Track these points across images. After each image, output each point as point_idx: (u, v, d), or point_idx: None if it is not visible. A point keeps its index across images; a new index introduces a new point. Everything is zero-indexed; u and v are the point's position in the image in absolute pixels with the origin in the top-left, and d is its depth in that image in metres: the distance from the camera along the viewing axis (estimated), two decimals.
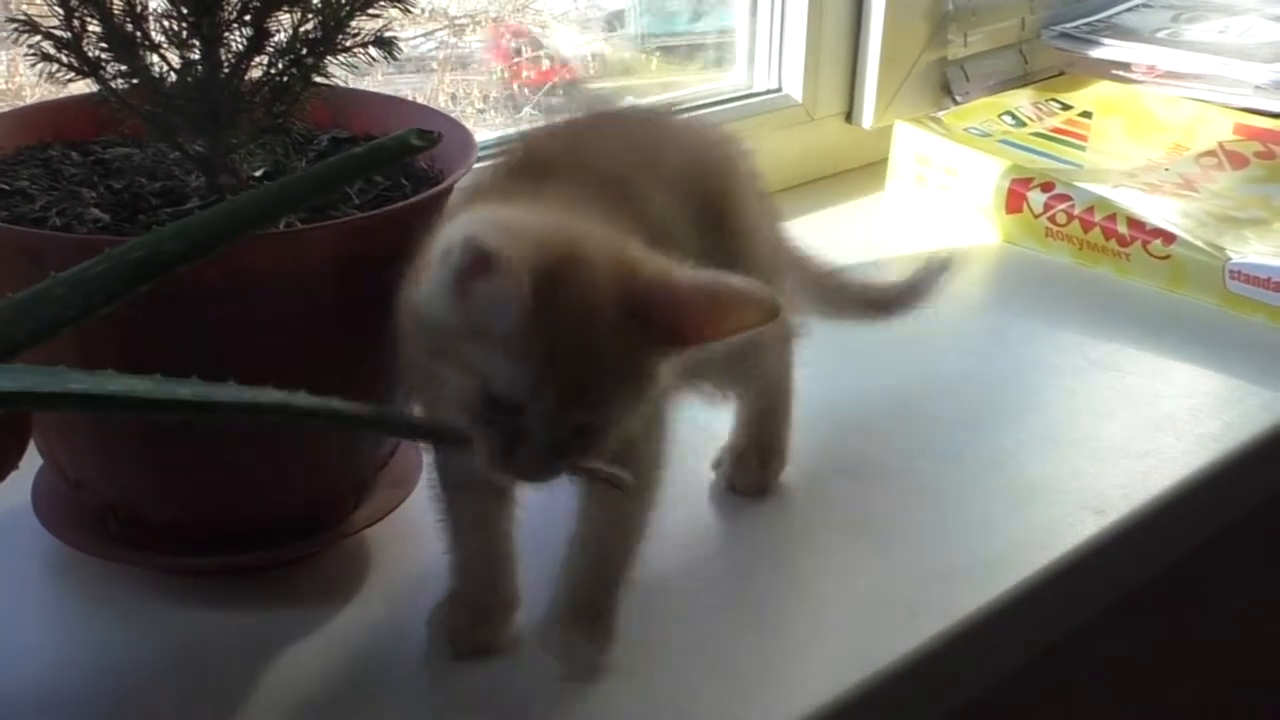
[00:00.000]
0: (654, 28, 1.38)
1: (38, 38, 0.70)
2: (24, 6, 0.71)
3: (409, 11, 0.71)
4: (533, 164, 0.72)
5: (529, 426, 0.61)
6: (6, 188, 0.74)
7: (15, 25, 0.70)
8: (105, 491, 0.74)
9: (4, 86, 1.07)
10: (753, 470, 0.86)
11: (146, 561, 0.75)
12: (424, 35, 1.35)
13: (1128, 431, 0.95)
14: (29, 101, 0.92)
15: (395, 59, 0.73)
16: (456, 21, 1.36)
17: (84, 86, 0.73)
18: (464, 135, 0.77)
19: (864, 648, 0.73)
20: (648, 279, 0.61)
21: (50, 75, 0.71)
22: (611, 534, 0.71)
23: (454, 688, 0.70)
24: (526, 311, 0.58)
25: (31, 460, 0.76)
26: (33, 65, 0.71)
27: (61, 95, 0.80)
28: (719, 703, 0.70)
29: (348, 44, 0.71)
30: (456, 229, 0.61)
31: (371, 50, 0.72)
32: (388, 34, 0.72)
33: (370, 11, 0.71)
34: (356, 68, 0.72)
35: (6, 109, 0.82)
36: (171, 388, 0.54)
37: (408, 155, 0.63)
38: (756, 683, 0.71)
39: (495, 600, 0.72)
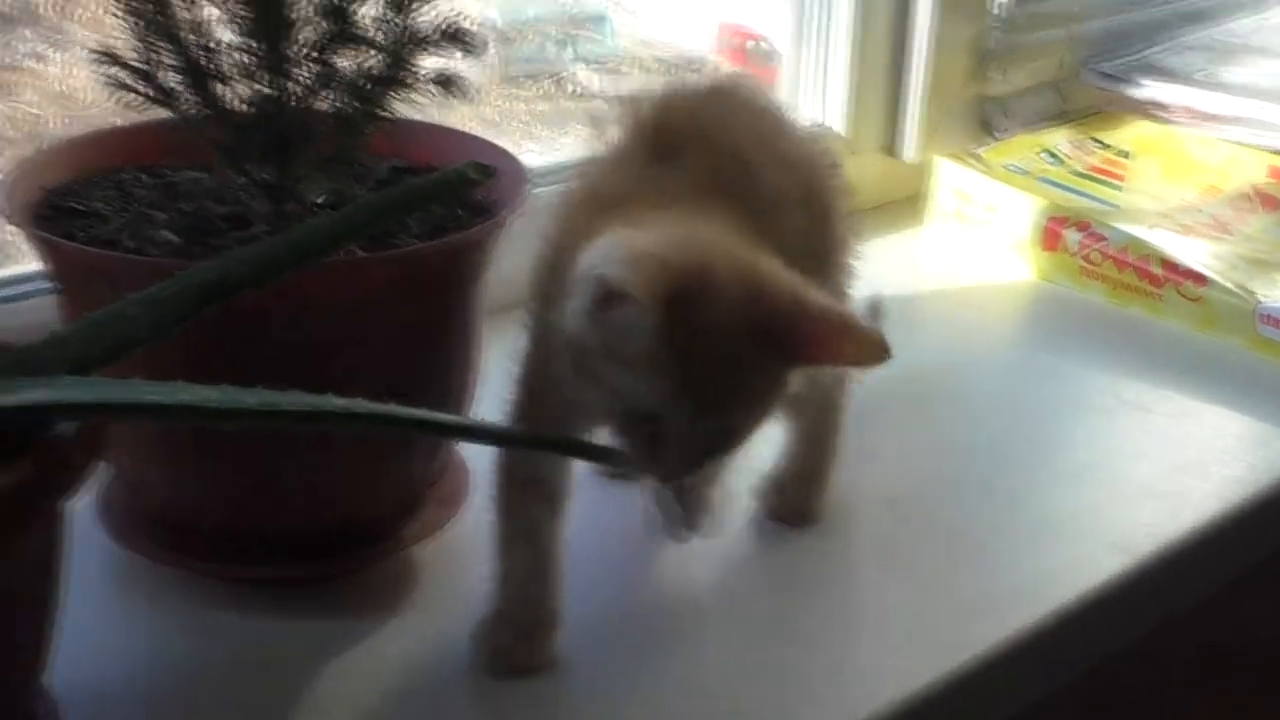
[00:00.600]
0: None
1: (116, 68, 0.73)
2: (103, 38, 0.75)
3: (471, 52, 0.74)
4: (659, 132, 0.75)
5: (664, 435, 0.65)
6: (82, 209, 0.77)
7: (96, 56, 0.73)
8: (164, 498, 0.78)
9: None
10: (797, 499, 0.88)
11: (202, 568, 0.78)
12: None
13: (1154, 471, 0.97)
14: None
15: (457, 96, 0.76)
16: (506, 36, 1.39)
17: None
18: (517, 168, 0.80)
19: (888, 677, 0.75)
20: (777, 297, 0.64)
21: (126, 104, 0.74)
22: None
23: (496, 704, 0.73)
24: (656, 338, 0.62)
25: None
26: (110, 96, 0.74)
27: (131, 122, 0.83)
28: None
29: (410, 81, 0.74)
30: (595, 255, 0.63)
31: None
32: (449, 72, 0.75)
33: (434, 51, 0.74)
34: (418, 103, 0.75)
35: (83, 133, 0.86)
36: (238, 396, 0.57)
37: (466, 188, 0.66)
38: (780, 706, 0.74)
39: (538, 619, 0.75)
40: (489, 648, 0.74)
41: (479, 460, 0.84)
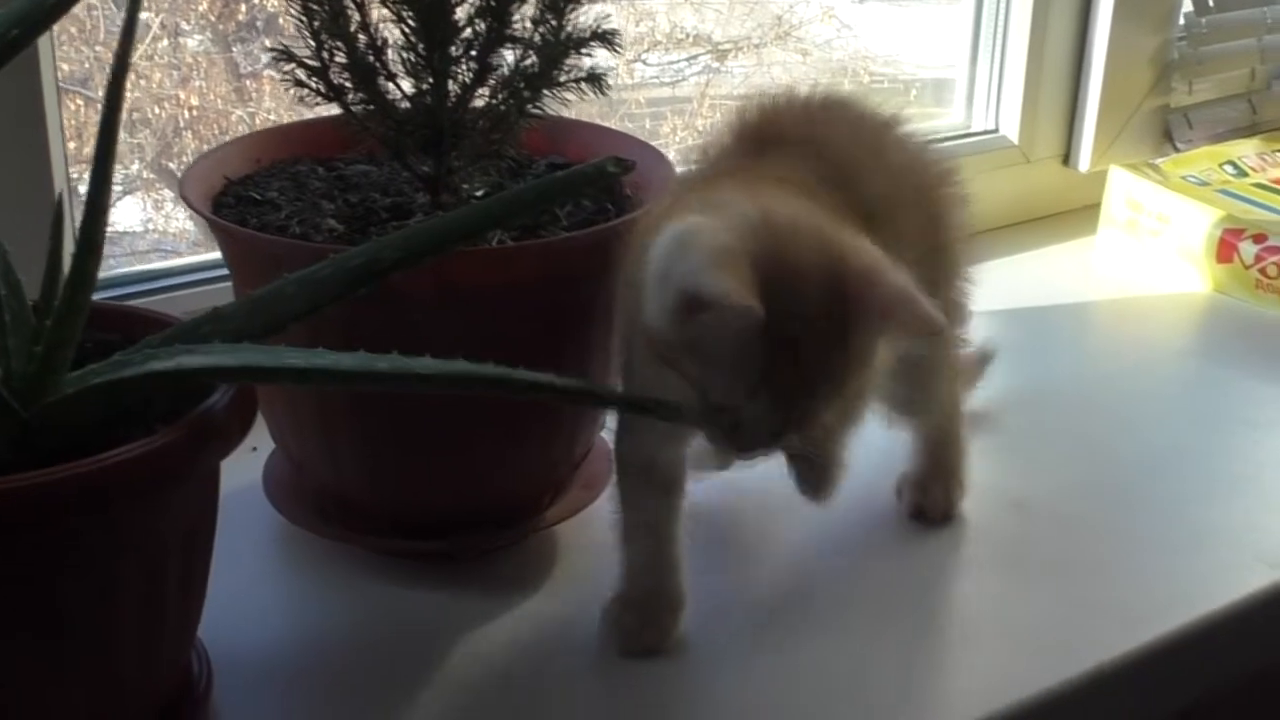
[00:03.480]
0: None
1: (292, 66, 0.78)
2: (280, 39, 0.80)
3: (616, 51, 0.77)
4: (764, 130, 0.77)
5: (747, 420, 0.66)
6: (259, 197, 0.83)
7: (274, 54, 0.79)
8: (323, 474, 0.82)
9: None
10: (933, 496, 0.89)
11: (358, 540, 0.83)
12: (687, 59, 1.41)
13: None
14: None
15: (605, 94, 0.79)
16: (720, 47, 1.42)
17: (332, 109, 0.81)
18: (664, 165, 0.83)
19: (1009, 677, 0.76)
20: (858, 267, 0.65)
21: (301, 99, 0.79)
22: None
23: (624, 679, 0.76)
24: (747, 338, 0.63)
25: (266, 444, 0.85)
26: (287, 90, 0.79)
27: (312, 117, 0.89)
28: (859, 711, 0.74)
29: (561, 79, 0.78)
30: (669, 250, 0.64)
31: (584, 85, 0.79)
32: (599, 70, 0.78)
33: (583, 51, 0.77)
34: (569, 101, 0.79)
35: (267, 127, 0.91)
36: (371, 361, 0.61)
37: (604, 180, 0.69)
38: (897, 700, 0.75)
39: (662, 603, 0.77)
40: (617, 629, 0.77)
41: None
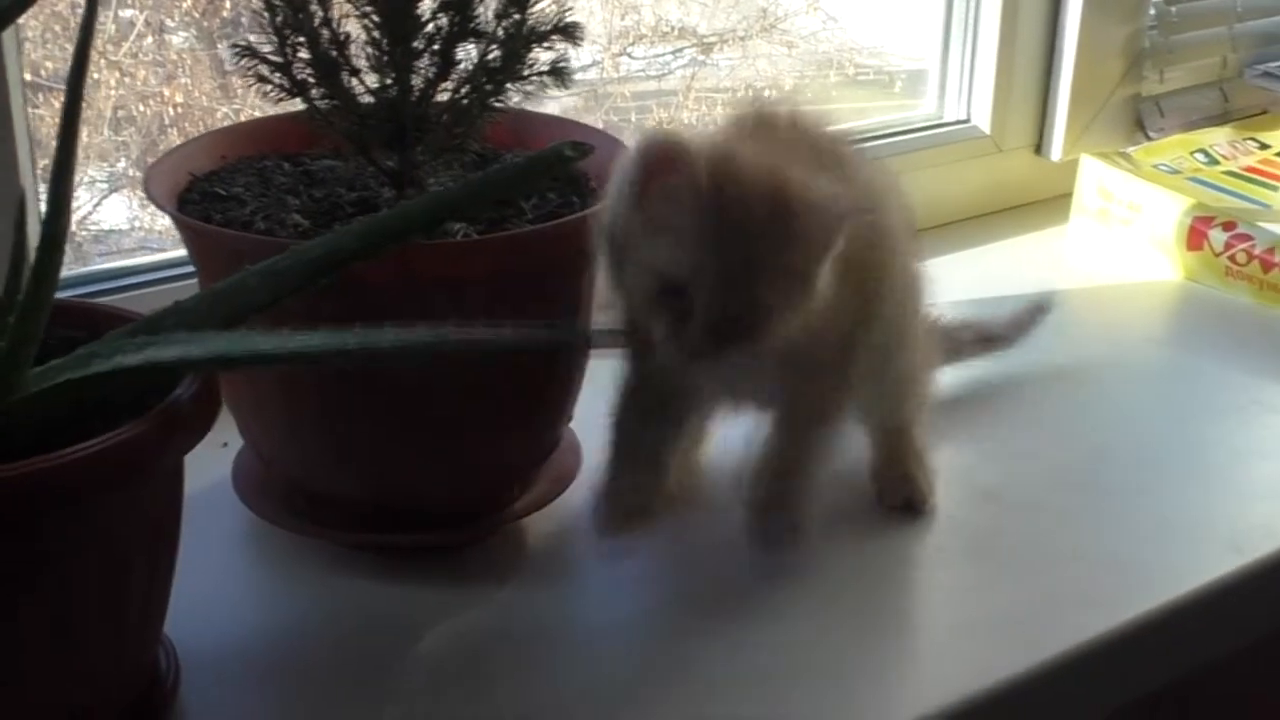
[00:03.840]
0: None
1: (255, 62, 0.78)
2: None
3: (578, 44, 0.77)
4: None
5: (693, 307, 0.69)
6: (224, 193, 0.83)
7: (237, 50, 0.79)
8: (291, 468, 0.83)
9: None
10: (894, 486, 0.89)
11: (327, 535, 0.83)
12: (673, 52, 1.42)
13: None
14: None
15: (568, 87, 0.79)
16: (705, 40, 1.43)
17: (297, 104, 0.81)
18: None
19: (977, 665, 0.76)
20: (797, 187, 0.70)
21: (264, 94, 0.80)
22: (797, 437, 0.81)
23: (596, 665, 0.76)
24: (700, 199, 0.68)
25: (237, 440, 0.85)
26: (249, 86, 0.79)
27: (279, 112, 0.89)
28: (817, 707, 0.74)
29: (524, 73, 0.78)
30: (636, 144, 0.70)
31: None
32: (561, 64, 0.78)
33: (546, 44, 0.78)
34: (531, 94, 0.79)
35: (233, 124, 0.91)
36: (341, 339, 0.61)
37: (561, 164, 0.69)
38: (861, 688, 0.75)
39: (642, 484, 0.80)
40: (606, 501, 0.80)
41: (592, 440, 0.89)
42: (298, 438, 0.81)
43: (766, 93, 1.41)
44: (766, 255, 0.69)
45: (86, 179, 1.15)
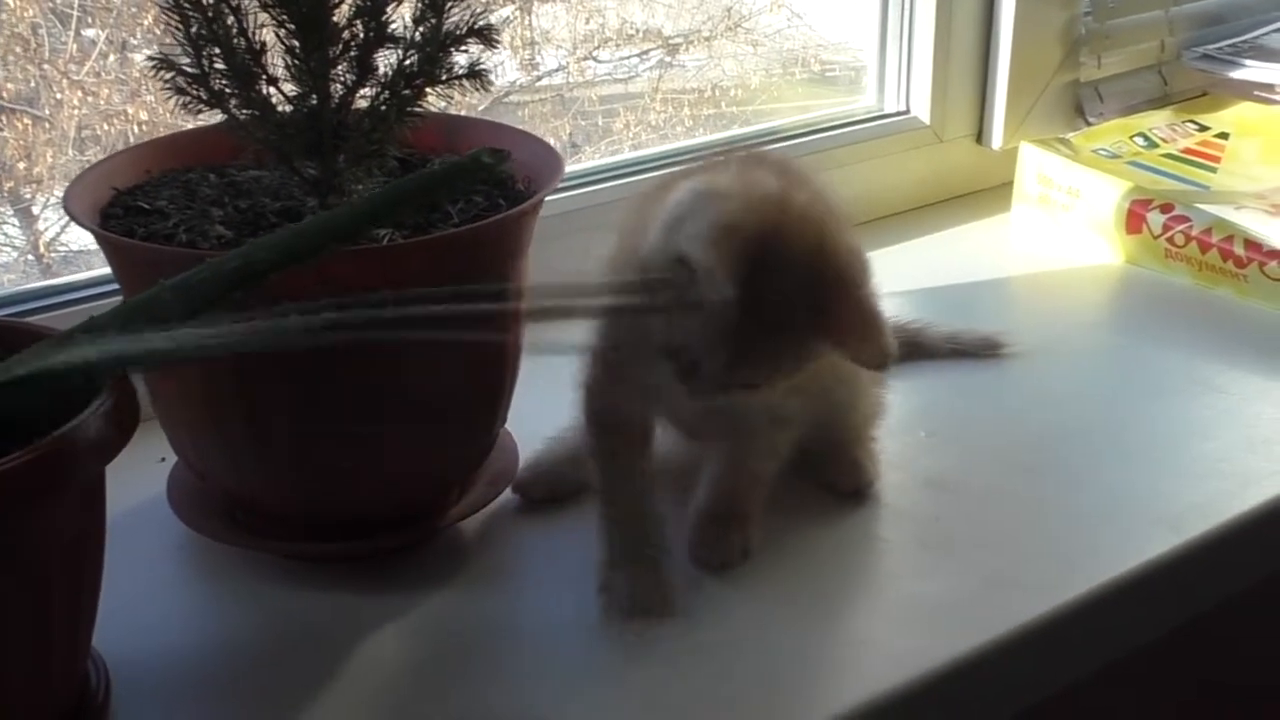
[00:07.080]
0: None
1: (172, 73, 0.78)
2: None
3: (493, 45, 0.77)
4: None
5: (702, 370, 0.71)
6: (147, 207, 0.82)
7: (154, 63, 0.78)
8: (224, 480, 0.82)
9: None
10: (839, 472, 0.90)
11: (262, 545, 0.83)
12: (639, 55, 1.42)
13: (1220, 452, 0.95)
14: None
15: (488, 90, 0.79)
16: (671, 41, 1.43)
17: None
18: (553, 158, 0.83)
19: (919, 649, 0.76)
20: (835, 279, 0.70)
21: (184, 106, 0.79)
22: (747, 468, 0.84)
23: (538, 672, 0.76)
24: (715, 307, 0.67)
25: (171, 455, 0.85)
26: (168, 98, 0.79)
27: (205, 124, 0.88)
28: (763, 692, 0.74)
29: (443, 77, 0.78)
30: (687, 214, 0.70)
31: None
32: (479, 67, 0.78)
33: (463, 48, 0.77)
34: (452, 98, 0.79)
35: (157, 137, 0.91)
36: (246, 328, 0.60)
37: (480, 172, 0.69)
38: (803, 678, 0.75)
39: (652, 553, 0.80)
40: (611, 595, 0.79)
41: (529, 442, 0.89)
42: (228, 450, 0.80)
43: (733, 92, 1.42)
44: (782, 348, 0.71)
45: (53, 200, 1.14)
